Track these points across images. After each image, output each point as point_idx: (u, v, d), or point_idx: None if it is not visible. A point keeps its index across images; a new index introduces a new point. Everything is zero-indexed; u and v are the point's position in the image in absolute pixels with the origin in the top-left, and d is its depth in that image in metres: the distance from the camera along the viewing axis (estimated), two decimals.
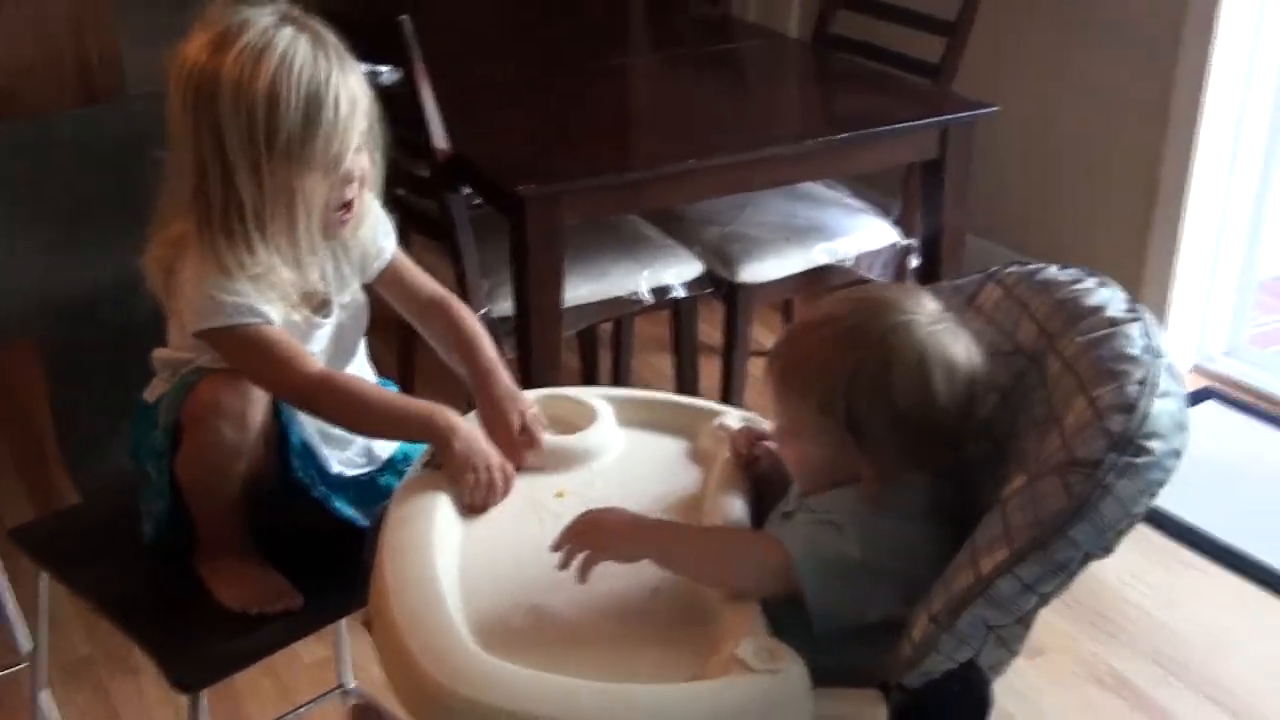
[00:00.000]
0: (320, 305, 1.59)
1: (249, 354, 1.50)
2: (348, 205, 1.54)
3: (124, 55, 4.16)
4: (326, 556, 1.59)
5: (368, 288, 1.68)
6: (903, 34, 2.96)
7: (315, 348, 1.58)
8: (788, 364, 1.35)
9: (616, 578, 1.31)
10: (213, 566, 1.59)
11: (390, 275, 1.68)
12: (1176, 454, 1.18)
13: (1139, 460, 1.16)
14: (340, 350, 1.64)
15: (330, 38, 1.49)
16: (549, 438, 1.53)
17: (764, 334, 3.25)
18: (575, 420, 1.56)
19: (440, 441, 1.45)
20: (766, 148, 2.48)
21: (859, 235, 2.79)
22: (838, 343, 1.31)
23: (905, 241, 2.83)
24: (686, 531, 1.38)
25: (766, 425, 1.49)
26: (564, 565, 1.30)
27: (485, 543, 1.38)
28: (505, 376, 1.58)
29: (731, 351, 2.75)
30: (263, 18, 1.46)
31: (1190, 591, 2.54)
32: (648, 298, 2.61)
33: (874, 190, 2.98)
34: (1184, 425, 1.20)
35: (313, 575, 1.59)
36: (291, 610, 1.55)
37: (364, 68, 2.44)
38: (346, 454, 1.64)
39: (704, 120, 2.70)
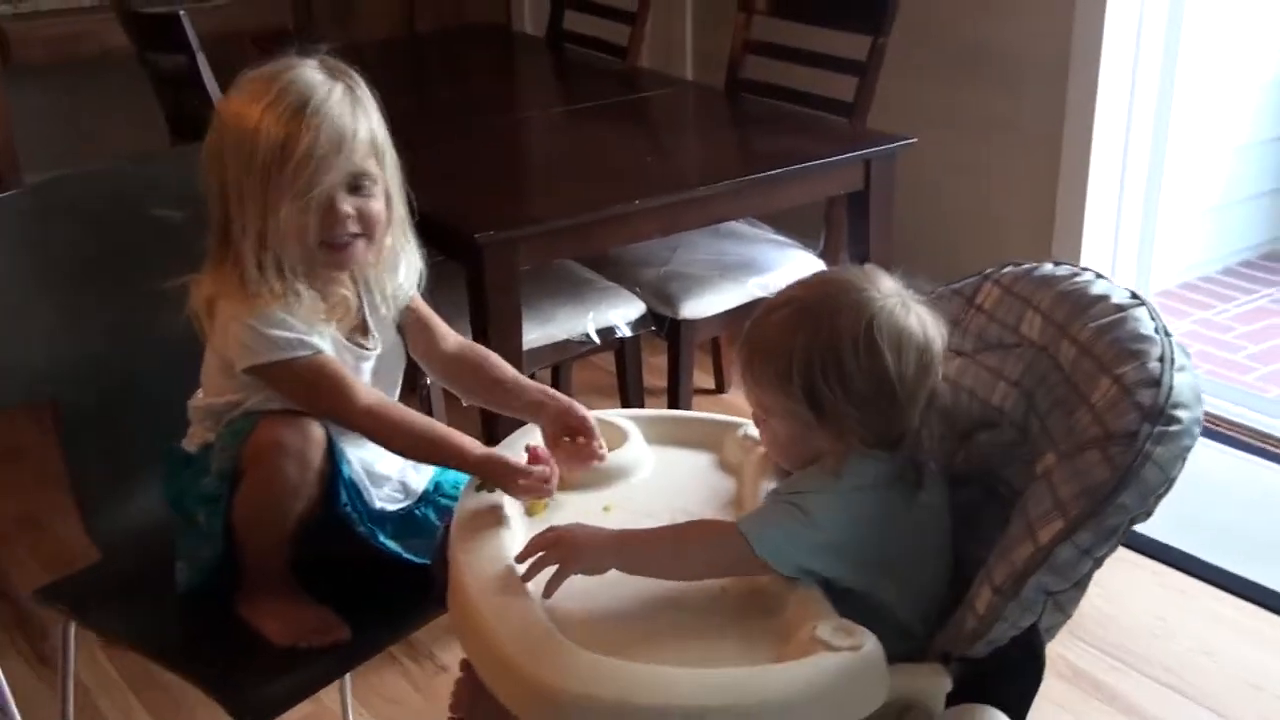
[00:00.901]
0: (365, 335, 1.63)
1: (303, 385, 1.54)
2: (335, 245, 1.56)
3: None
4: (365, 588, 1.63)
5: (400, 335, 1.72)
6: (811, 75, 3.09)
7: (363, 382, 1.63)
8: (752, 346, 1.42)
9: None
10: (257, 605, 1.61)
11: (413, 320, 1.72)
12: (1199, 421, 1.30)
13: (1171, 429, 1.26)
14: (380, 388, 1.67)
15: (357, 84, 1.55)
16: None
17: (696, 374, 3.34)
18: (606, 441, 1.62)
19: (485, 466, 1.50)
20: (706, 185, 2.58)
21: (788, 268, 2.90)
22: (794, 320, 1.38)
23: None
24: (646, 535, 1.41)
25: None
26: (529, 577, 1.34)
27: None
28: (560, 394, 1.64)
29: (677, 385, 2.83)
30: (299, 63, 1.52)
31: (1129, 585, 2.68)
32: (595, 339, 2.69)
33: (792, 228, 3.10)
34: (1201, 395, 1.32)
35: (354, 607, 1.62)
36: (340, 642, 1.58)
37: None
38: (385, 490, 1.67)
39: (638, 164, 2.79)
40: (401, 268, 1.67)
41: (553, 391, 1.64)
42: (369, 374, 1.65)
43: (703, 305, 2.79)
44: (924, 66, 3.57)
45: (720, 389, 3.50)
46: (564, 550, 1.35)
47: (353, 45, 4.18)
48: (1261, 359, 3.66)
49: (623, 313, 2.73)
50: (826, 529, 1.34)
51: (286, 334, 1.52)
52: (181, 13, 2.77)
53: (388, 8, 4.61)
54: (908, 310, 1.39)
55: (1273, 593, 2.62)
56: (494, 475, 1.49)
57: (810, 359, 1.36)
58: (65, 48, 4.20)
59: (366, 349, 1.65)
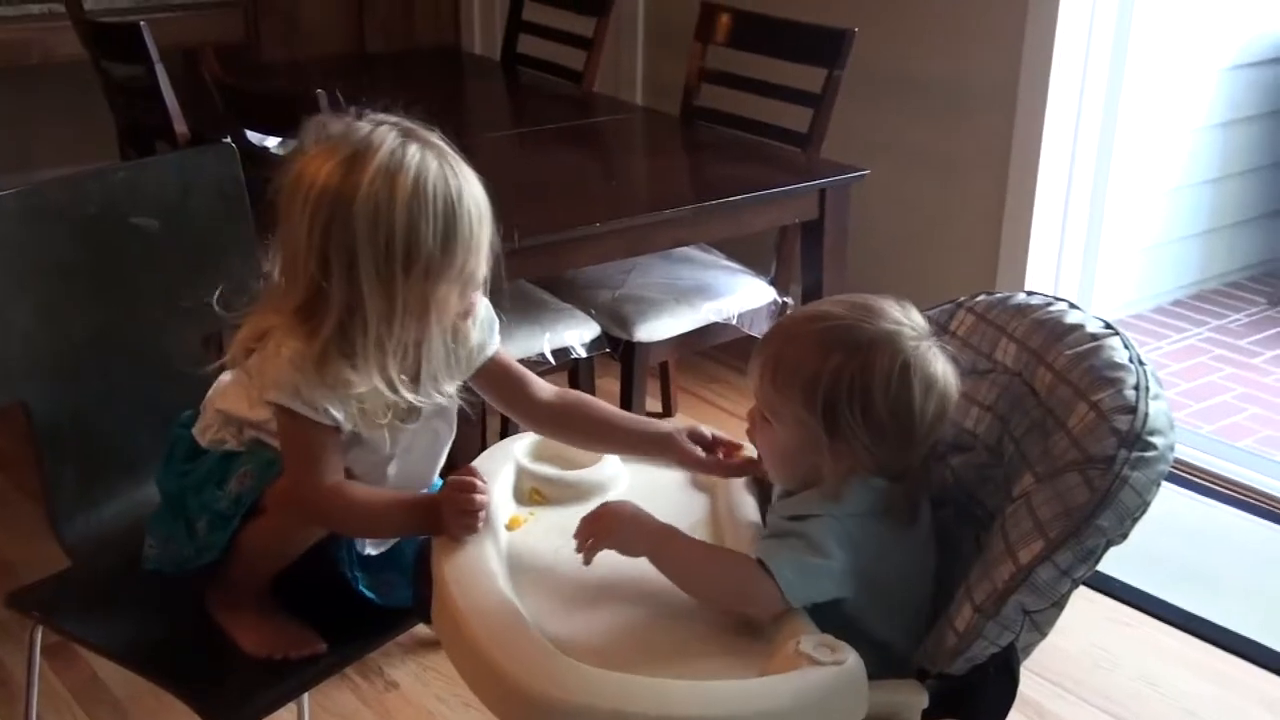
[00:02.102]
0: (408, 412, 1.57)
1: (296, 441, 1.51)
2: (470, 308, 1.56)
3: None
4: (338, 601, 1.63)
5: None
6: (765, 105, 3.14)
7: (395, 449, 1.59)
8: (778, 352, 1.43)
9: (670, 594, 1.39)
10: (236, 615, 1.61)
11: (498, 373, 1.69)
12: (1172, 447, 1.33)
13: (1147, 454, 1.30)
14: (425, 456, 1.65)
15: (447, 147, 1.51)
16: (567, 473, 1.62)
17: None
18: (580, 459, 1.65)
19: (435, 517, 1.48)
20: (668, 210, 2.61)
21: (740, 294, 2.94)
22: (828, 339, 1.40)
23: (783, 299, 2.99)
24: (688, 543, 1.43)
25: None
26: (580, 549, 1.41)
27: (531, 572, 1.44)
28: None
29: (630, 407, 2.84)
30: (387, 136, 1.46)
31: (1073, 615, 2.71)
32: (550, 359, 2.70)
33: (742, 256, 3.14)
34: (1174, 423, 1.36)
35: (325, 619, 1.62)
36: (316, 655, 1.59)
37: (254, 138, 2.48)
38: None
39: (600, 187, 2.82)
40: (479, 317, 1.63)
41: (663, 425, 1.65)
42: (407, 445, 1.61)
43: (657, 328, 2.82)
44: (874, 100, 3.62)
45: (668, 412, 3.52)
46: (605, 524, 1.41)
47: (300, 63, 4.21)
48: (1194, 395, 3.74)
49: (578, 334, 2.75)
50: (834, 556, 1.35)
51: (319, 400, 1.48)
52: (142, 23, 2.76)
53: (336, 26, 4.60)
54: (936, 356, 1.42)
55: (1210, 624, 2.68)
56: (440, 526, 1.47)
57: (838, 382, 1.37)
58: (9, 55, 4.15)
59: (409, 422, 1.59)
